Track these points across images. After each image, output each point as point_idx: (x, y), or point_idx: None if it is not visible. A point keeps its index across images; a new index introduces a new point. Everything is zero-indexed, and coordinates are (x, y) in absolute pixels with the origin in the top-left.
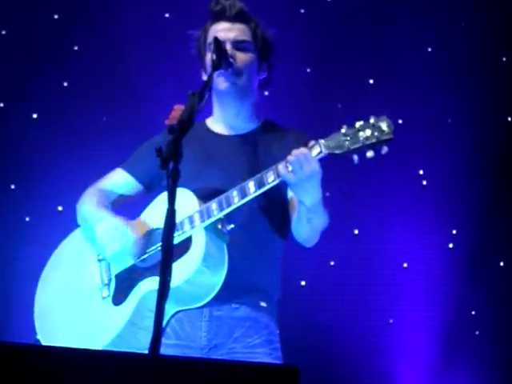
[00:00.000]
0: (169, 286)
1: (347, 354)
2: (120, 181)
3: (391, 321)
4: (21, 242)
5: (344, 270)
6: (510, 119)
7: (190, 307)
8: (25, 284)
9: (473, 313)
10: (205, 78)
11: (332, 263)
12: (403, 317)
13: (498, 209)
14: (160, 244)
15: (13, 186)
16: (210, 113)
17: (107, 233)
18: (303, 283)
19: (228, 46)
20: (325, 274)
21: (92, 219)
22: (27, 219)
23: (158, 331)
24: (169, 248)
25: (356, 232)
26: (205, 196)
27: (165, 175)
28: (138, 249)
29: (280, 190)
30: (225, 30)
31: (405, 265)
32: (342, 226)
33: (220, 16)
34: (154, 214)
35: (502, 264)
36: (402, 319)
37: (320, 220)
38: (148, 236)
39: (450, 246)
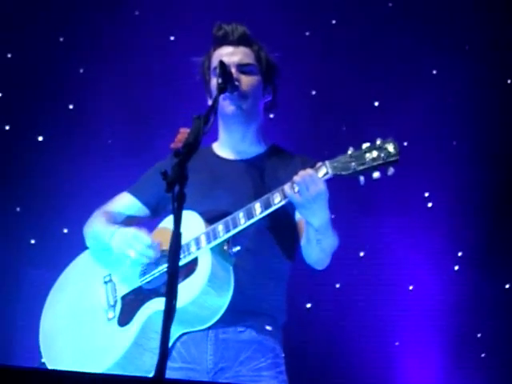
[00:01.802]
0: (175, 309)
1: (353, 376)
2: (126, 204)
3: (397, 343)
4: (26, 264)
5: (349, 293)
6: None
7: (196, 329)
8: (30, 306)
9: (478, 335)
10: (210, 103)
11: (338, 286)
12: (409, 339)
13: (504, 231)
14: (166, 266)
15: (18, 209)
16: (215, 138)
17: (122, 242)
18: (309, 305)
19: (233, 70)
20: (330, 297)
21: (105, 236)
22: (32, 242)
23: (164, 354)
24: (174, 271)
25: (361, 254)
26: (212, 218)
27: (170, 200)
28: (155, 250)
29: (287, 212)
30: (228, 54)
31: (410, 287)
32: (347, 248)
33: (223, 40)
34: (160, 237)
35: (507, 286)
36: (407, 342)
37: (329, 241)
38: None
39: (456, 268)
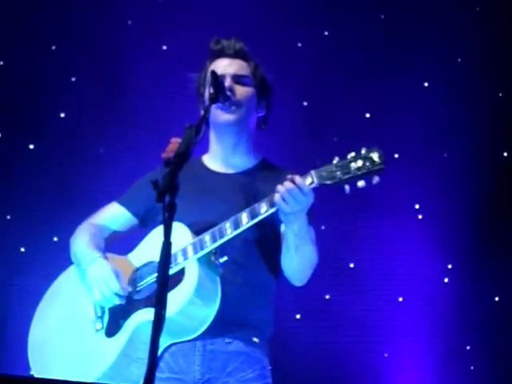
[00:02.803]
0: (164, 319)
1: None
2: (115, 215)
3: (386, 355)
4: (16, 272)
5: (339, 304)
6: (505, 154)
7: (183, 339)
8: (19, 315)
9: (468, 348)
10: (202, 113)
11: (327, 297)
12: (398, 351)
13: (493, 244)
14: (154, 276)
15: (8, 217)
16: (206, 149)
17: (95, 277)
18: (298, 316)
19: (228, 80)
20: (320, 308)
21: (83, 261)
22: (22, 250)
23: (153, 365)
24: (164, 281)
25: (351, 266)
26: (199, 230)
27: (160, 210)
28: (122, 297)
29: (274, 226)
30: (225, 66)
31: (400, 299)
32: (337, 259)
33: (220, 53)
34: (148, 247)
35: (496, 299)
36: (396, 353)
37: (308, 250)
38: (141, 269)
39: (446, 280)
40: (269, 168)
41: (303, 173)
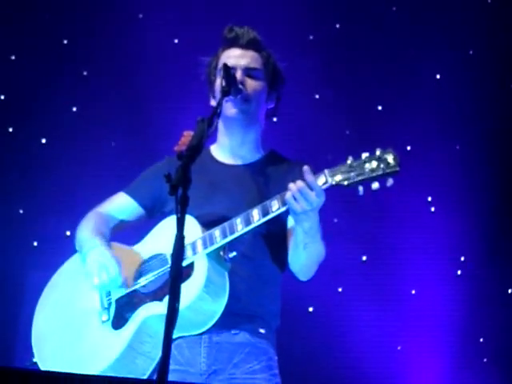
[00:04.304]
0: (177, 312)
1: (355, 380)
2: (122, 204)
3: (399, 347)
4: (29, 266)
5: (352, 297)
6: None
7: (191, 334)
8: (32, 308)
9: (481, 340)
10: (212, 103)
11: (340, 289)
12: (411, 344)
13: (507, 236)
14: (161, 270)
15: (21, 211)
16: (213, 139)
17: (96, 263)
18: (311, 309)
19: (239, 73)
20: (333, 301)
21: (85, 247)
22: (35, 244)
23: (166, 358)
24: (177, 274)
25: (364, 258)
26: (208, 223)
27: (166, 201)
28: (122, 284)
29: (282, 219)
30: (236, 57)
31: (413, 291)
32: (350, 252)
33: (233, 43)
34: (156, 239)
35: (510, 291)
36: (410, 346)
37: (316, 247)
38: (148, 262)
39: (459, 272)
40: (277, 160)
41: (313, 165)
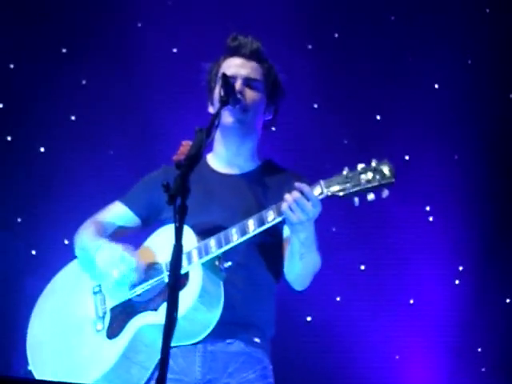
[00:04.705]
0: (175, 321)
1: None
2: (118, 213)
3: (397, 357)
4: (27, 275)
5: (350, 306)
6: None
7: (186, 343)
8: (30, 317)
9: (479, 350)
10: (210, 109)
11: (338, 299)
12: (409, 353)
13: (505, 246)
14: (157, 279)
15: (19, 220)
16: (210, 148)
17: (107, 260)
18: (309, 319)
19: (238, 82)
20: (331, 310)
21: (91, 248)
22: (33, 252)
23: (164, 368)
24: (175, 283)
25: (362, 268)
26: (203, 232)
27: (162, 210)
28: (139, 273)
29: (277, 229)
30: (238, 66)
31: (411, 301)
32: (348, 261)
33: (235, 51)
34: (152, 250)
35: (508, 301)
36: (407, 355)
37: (312, 257)
38: (144, 271)
39: (457, 282)
40: (273, 169)
41: (311, 174)
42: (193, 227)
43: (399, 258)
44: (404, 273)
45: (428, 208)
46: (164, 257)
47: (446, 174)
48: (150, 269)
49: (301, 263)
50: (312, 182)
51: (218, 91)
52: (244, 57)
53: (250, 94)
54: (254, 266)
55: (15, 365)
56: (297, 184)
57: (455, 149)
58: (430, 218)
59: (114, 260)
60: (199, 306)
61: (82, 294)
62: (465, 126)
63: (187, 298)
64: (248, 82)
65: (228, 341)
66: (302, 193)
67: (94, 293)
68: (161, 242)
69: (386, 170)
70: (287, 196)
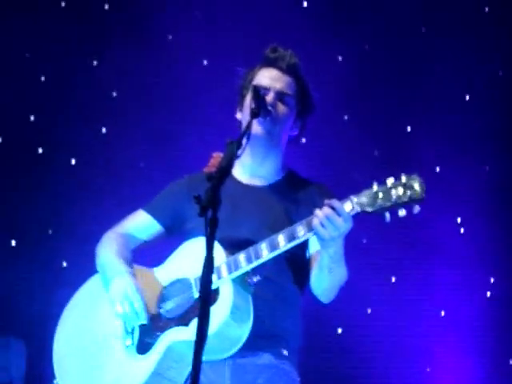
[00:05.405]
0: (206, 336)
1: None
2: (142, 223)
3: (428, 369)
4: (58, 287)
5: (381, 318)
6: None
7: (214, 359)
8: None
9: (511, 362)
10: (238, 115)
11: (369, 311)
12: (440, 365)
13: None
14: (186, 294)
15: (50, 232)
16: None
17: (119, 294)
18: (340, 331)
19: (271, 95)
20: (362, 322)
21: (110, 270)
22: (64, 264)
23: (196, 381)
24: (207, 296)
25: (393, 280)
26: (230, 246)
27: (186, 219)
28: (143, 317)
29: (303, 242)
30: (273, 78)
31: (442, 313)
32: (379, 273)
33: (273, 63)
34: (179, 264)
35: None
36: (439, 368)
37: (340, 272)
38: (171, 286)
39: (488, 294)
40: (297, 180)
41: (341, 186)
42: (219, 240)
43: (430, 270)
44: (435, 285)
45: (459, 220)
46: (192, 271)
47: (477, 186)
48: (179, 283)
49: (329, 277)
50: (341, 196)
51: (248, 101)
52: (281, 70)
53: (281, 108)
54: (281, 279)
55: (44, 380)
56: (327, 201)
57: (486, 160)
58: (461, 230)
59: (123, 296)
60: (230, 322)
61: (108, 307)
62: (495, 138)
63: (219, 313)
64: (281, 96)
65: (257, 353)
66: (333, 208)
67: None
68: (188, 256)
69: (416, 185)
70: (318, 212)
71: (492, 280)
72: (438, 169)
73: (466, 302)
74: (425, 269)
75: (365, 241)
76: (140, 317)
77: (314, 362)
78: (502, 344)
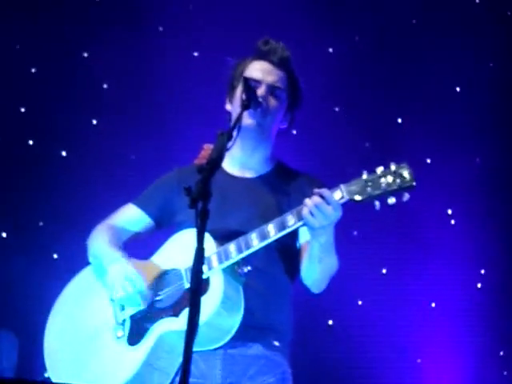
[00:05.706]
0: (197, 326)
1: None
2: (132, 216)
3: (419, 360)
4: (49, 279)
5: (372, 310)
6: None
7: (205, 349)
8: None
9: (501, 353)
10: (228, 107)
11: (360, 302)
12: (431, 356)
13: None
14: (177, 285)
15: (41, 223)
16: None
17: (119, 277)
18: (331, 322)
19: (263, 88)
20: (352, 314)
21: (105, 258)
22: (55, 256)
23: (187, 373)
24: (198, 287)
25: (384, 271)
26: (221, 237)
27: (176, 212)
28: (146, 297)
29: (293, 231)
30: (264, 71)
31: (433, 304)
32: (370, 265)
33: (265, 56)
34: (170, 255)
35: None
36: (429, 359)
37: (331, 262)
38: (162, 277)
39: (479, 285)
40: (286, 172)
41: (332, 177)
42: (210, 232)
43: (421, 261)
44: (426, 276)
45: (450, 211)
46: (183, 262)
47: (468, 177)
48: (170, 274)
49: (319, 266)
50: (332, 186)
51: (239, 93)
52: (272, 63)
53: (272, 101)
54: (271, 269)
55: (35, 371)
56: (316, 189)
57: (477, 152)
58: (452, 222)
59: (124, 279)
60: (221, 312)
61: (98, 300)
62: (486, 129)
63: (209, 303)
64: (272, 89)
65: (248, 344)
66: (322, 197)
67: (112, 300)
68: (178, 248)
69: (405, 173)
70: (307, 201)
71: (482, 271)
72: (428, 160)
73: (457, 293)
74: (415, 260)
75: (355, 233)
76: (143, 295)
77: (305, 354)
78: (493, 335)
